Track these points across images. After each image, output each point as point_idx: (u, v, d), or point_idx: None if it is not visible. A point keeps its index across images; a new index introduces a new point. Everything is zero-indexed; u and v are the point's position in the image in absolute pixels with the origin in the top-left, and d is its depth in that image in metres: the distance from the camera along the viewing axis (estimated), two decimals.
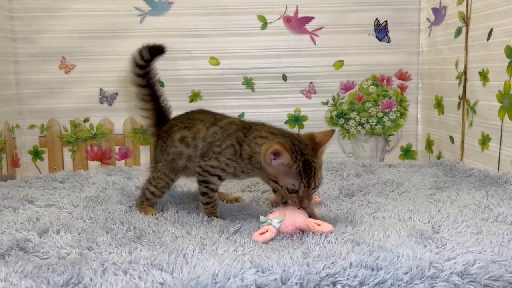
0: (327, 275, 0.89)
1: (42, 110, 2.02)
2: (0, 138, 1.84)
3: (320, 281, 0.88)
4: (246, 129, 1.29)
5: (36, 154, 2.05)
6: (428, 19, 1.99)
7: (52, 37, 1.98)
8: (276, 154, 1.13)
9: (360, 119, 2.10)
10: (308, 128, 2.10)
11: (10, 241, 1.10)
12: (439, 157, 1.93)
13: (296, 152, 1.14)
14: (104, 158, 2.07)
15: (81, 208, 1.44)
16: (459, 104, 1.77)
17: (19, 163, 2.01)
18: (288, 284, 0.88)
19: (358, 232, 1.11)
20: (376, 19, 2.04)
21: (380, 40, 2.06)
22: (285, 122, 2.09)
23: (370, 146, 2.13)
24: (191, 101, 2.05)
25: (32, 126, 2.03)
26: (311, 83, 2.07)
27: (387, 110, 2.10)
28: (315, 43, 2.05)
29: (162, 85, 2.01)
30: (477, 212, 1.21)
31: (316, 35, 2.04)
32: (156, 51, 1.56)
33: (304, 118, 2.09)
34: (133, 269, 0.92)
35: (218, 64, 2.04)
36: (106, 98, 2.04)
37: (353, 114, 2.10)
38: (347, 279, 0.89)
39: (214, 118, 1.38)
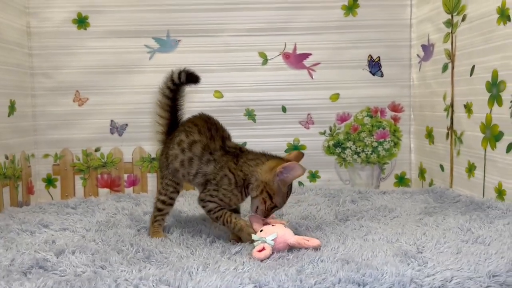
0: None
1: (56, 140, 2.15)
2: (17, 166, 1.96)
3: None
4: (235, 157, 1.43)
5: (49, 181, 2.17)
6: (418, 55, 2.14)
7: (67, 73, 2.13)
8: (290, 170, 1.31)
9: (356, 148, 2.22)
10: (307, 156, 2.20)
11: (31, 260, 1.21)
12: (431, 184, 2.04)
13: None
14: (113, 185, 2.18)
15: (93, 231, 1.55)
16: (447, 134, 1.89)
17: (34, 190, 2.13)
18: None
19: (349, 252, 1.21)
20: (370, 55, 2.18)
21: (373, 74, 2.20)
22: (285, 151, 2.21)
23: (366, 174, 2.24)
24: None
25: (46, 155, 2.16)
26: (309, 114, 2.20)
27: (381, 140, 2.22)
28: (312, 78, 2.19)
29: None
30: (459, 234, 1.31)
31: (313, 70, 2.19)
32: (191, 78, 1.62)
33: (303, 147, 2.21)
34: (143, 285, 1.03)
35: (222, 97, 2.18)
36: (117, 129, 2.17)
37: (349, 143, 2.22)
38: None
39: (210, 138, 1.48)
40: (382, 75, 2.20)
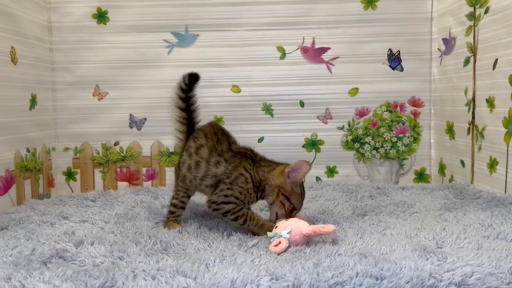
0: (335, 283, 0.98)
1: (76, 134, 2.18)
2: (38, 159, 1.99)
3: None
4: (250, 159, 1.47)
5: (69, 175, 2.20)
6: (439, 49, 2.10)
7: (87, 67, 2.16)
8: (298, 168, 1.35)
9: (374, 144, 2.20)
10: (325, 151, 2.20)
11: (51, 250, 1.22)
12: (451, 180, 2.00)
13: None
14: (132, 179, 2.20)
15: (111, 223, 1.57)
16: (468, 129, 1.85)
17: (54, 183, 2.16)
18: None
19: (367, 247, 1.20)
20: (389, 49, 2.16)
21: (393, 68, 2.17)
22: (302, 146, 2.20)
23: (384, 169, 2.22)
24: None
25: (66, 149, 2.19)
26: (327, 109, 2.19)
27: (401, 135, 2.19)
28: (331, 72, 2.17)
29: None
30: (480, 230, 1.29)
31: (332, 64, 2.17)
32: (193, 77, 1.70)
33: (321, 142, 2.20)
34: (161, 275, 1.03)
35: (240, 91, 2.17)
36: (135, 123, 2.18)
37: (368, 138, 2.19)
38: (353, 287, 0.98)
39: (216, 141, 1.52)
40: (402, 69, 2.17)
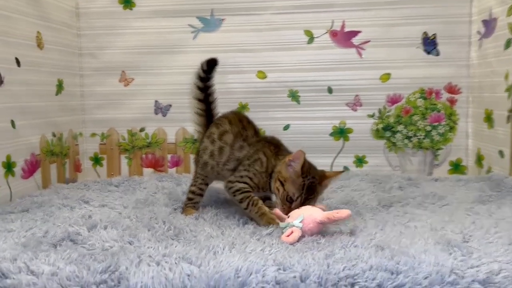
0: (346, 276, 0.92)
1: (103, 119, 2.19)
2: (64, 144, 2.01)
3: (338, 281, 0.91)
4: (274, 147, 1.45)
5: (96, 160, 2.22)
6: (478, 32, 1.96)
7: (113, 53, 2.15)
8: (296, 158, 1.29)
9: (407, 132, 2.09)
10: (354, 140, 2.11)
11: (63, 233, 1.22)
12: (488, 172, 1.87)
13: (308, 172, 1.31)
14: (157, 165, 2.20)
15: (130, 208, 1.56)
16: (508, 117, 1.72)
17: (81, 168, 2.18)
18: (307, 282, 0.91)
19: (386, 239, 1.12)
20: (424, 32, 2.03)
21: (428, 53, 2.05)
22: (330, 134, 2.12)
23: (417, 160, 2.10)
24: None
25: (93, 135, 2.20)
26: (356, 95, 2.09)
27: (436, 123, 2.07)
28: (361, 57, 2.07)
29: None
30: None
31: (362, 49, 2.07)
32: (212, 63, 1.69)
33: (349, 130, 2.11)
34: (165, 262, 1.00)
35: (265, 77, 2.11)
36: (161, 110, 2.17)
37: (400, 127, 2.09)
38: (366, 281, 0.91)
39: (242, 128, 1.52)
40: (437, 54, 2.04)
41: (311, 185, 1.30)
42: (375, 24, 2.05)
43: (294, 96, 2.11)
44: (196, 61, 1.65)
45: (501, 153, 1.78)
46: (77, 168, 2.14)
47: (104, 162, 2.22)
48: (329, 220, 1.17)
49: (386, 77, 2.07)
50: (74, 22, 2.12)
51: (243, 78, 2.11)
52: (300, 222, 1.17)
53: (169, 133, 2.18)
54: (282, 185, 1.32)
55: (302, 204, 1.28)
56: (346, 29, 2.07)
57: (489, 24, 1.87)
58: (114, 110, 2.18)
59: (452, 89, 2.06)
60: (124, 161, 2.21)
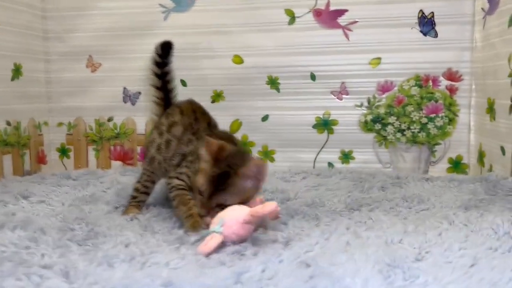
0: None
1: (70, 108, 2.04)
2: (23, 134, 1.87)
3: None
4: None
5: (63, 151, 2.07)
6: (482, 9, 1.69)
7: (80, 36, 2.00)
8: (206, 145, 1.09)
9: (399, 125, 1.84)
10: (339, 133, 1.88)
11: None
12: (490, 171, 1.61)
13: (224, 161, 1.07)
14: (126, 158, 2.03)
15: (66, 206, 1.41)
16: (511, 107, 1.45)
17: (46, 160, 2.04)
18: None
19: (321, 253, 0.91)
20: (421, 10, 1.78)
21: (425, 34, 1.79)
22: (313, 126, 1.89)
23: (411, 156, 1.85)
24: (213, 101, 1.94)
25: (60, 124, 2.06)
26: (343, 83, 1.86)
27: (433, 115, 1.81)
28: (348, 39, 1.83)
29: (184, 85, 1.93)
30: (489, 238, 0.94)
31: (349, 30, 1.83)
32: (166, 46, 1.61)
33: (334, 122, 1.88)
34: (38, 275, 0.82)
35: (242, 62, 1.91)
36: (130, 97, 2.00)
37: (391, 119, 1.84)
38: None
39: (194, 119, 1.34)
40: (436, 35, 1.78)
41: (222, 175, 1.06)
42: (364, 2, 1.80)
43: (273, 83, 1.90)
44: None
45: (502, 150, 1.51)
46: (41, 159, 2.00)
47: (72, 154, 2.07)
48: (254, 217, 0.96)
49: (376, 62, 1.83)
50: (38, 2, 1.97)
51: (218, 63, 1.91)
52: (221, 226, 0.97)
53: (139, 124, 2.01)
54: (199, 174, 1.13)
55: (210, 197, 1.06)
56: (332, 8, 1.83)
57: None
58: (81, 98, 2.03)
59: (452, 76, 1.79)
60: (92, 153, 2.06)
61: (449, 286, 0.72)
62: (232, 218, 0.97)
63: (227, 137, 1.28)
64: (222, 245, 0.97)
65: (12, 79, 1.82)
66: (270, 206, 0.94)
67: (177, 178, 1.22)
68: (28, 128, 1.91)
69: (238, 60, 1.91)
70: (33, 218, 1.22)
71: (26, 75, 1.88)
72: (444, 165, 1.83)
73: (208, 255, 0.93)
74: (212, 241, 0.94)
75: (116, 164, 2.04)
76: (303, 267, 0.82)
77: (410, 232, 1.02)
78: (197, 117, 1.35)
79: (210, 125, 1.36)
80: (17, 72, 1.84)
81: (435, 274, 0.77)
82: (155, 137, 1.37)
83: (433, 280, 0.75)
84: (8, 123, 1.79)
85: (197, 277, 0.79)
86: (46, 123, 2.03)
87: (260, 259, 0.88)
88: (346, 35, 1.84)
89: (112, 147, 2.04)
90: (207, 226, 1.05)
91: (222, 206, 1.04)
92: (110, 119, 2.02)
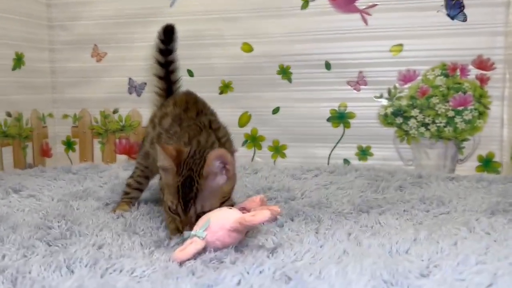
0: None
1: (75, 99, 1.96)
2: (25, 126, 1.81)
3: None
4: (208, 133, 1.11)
5: (68, 144, 2.00)
6: None
7: (85, 24, 1.92)
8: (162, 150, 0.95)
9: (423, 119, 1.67)
10: (356, 127, 1.73)
11: None
12: None
13: (184, 166, 0.93)
14: (131, 152, 1.94)
15: (55, 201, 1.33)
16: None
17: (50, 152, 1.97)
18: None
19: (311, 264, 0.77)
20: None
21: (452, 18, 1.61)
22: (328, 120, 1.75)
23: (436, 153, 1.68)
24: (221, 92, 1.82)
25: (65, 116, 1.99)
26: (360, 72, 1.70)
27: (461, 108, 1.64)
28: (366, 24, 1.68)
29: (191, 75, 1.82)
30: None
31: (368, 14, 1.67)
32: (168, 30, 1.57)
33: (351, 115, 1.73)
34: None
35: (252, 50, 1.78)
36: (135, 88, 1.91)
37: (414, 111, 1.67)
38: None
39: (184, 109, 1.20)
40: (464, 19, 1.60)
41: (186, 182, 0.92)
42: None
43: (285, 73, 1.76)
44: None
45: None
46: (45, 153, 1.94)
47: (77, 147, 2.00)
48: (241, 225, 0.84)
49: (397, 49, 1.66)
50: None
51: (226, 51, 1.79)
52: (204, 231, 0.85)
53: (144, 116, 1.91)
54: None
55: (186, 212, 0.92)
56: None
57: None
58: (86, 88, 1.95)
59: (482, 64, 1.61)
60: (97, 146, 1.98)
61: None
62: (219, 221, 0.85)
63: (198, 128, 1.11)
64: (202, 251, 0.85)
65: (14, 69, 1.76)
66: (261, 216, 0.81)
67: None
68: (31, 119, 1.85)
69: (247, 48, 1.78)
70: (12, 214, 1.15)
71: (29, 64, 1.82)
72: (473, 163, 1.65)
73: (183, 262, 0.81)
74: (191, 246, 0.83)
75: (122, 158, 1.95)
76: (282, 281, 0.69)
77: (421, 240, 0.87)
78: (187, 107, 1.21)
79: (199, 113, 1.19)
80: (18, 61, 1.77)
81: None
82: (149, 130, 1.27)
83: None
84: (9, 114, 1.73)
85: (163, 286, 0.67)
86: (50, 115, 1.97)
87: (237, 269, 0.76)
88: (365, 20, 1.68)
89: (117, 140, 1.95)
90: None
91: (204, 213, 0.92)
92: (115, 111, 1.94)
